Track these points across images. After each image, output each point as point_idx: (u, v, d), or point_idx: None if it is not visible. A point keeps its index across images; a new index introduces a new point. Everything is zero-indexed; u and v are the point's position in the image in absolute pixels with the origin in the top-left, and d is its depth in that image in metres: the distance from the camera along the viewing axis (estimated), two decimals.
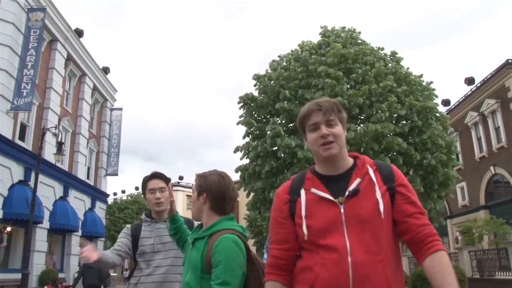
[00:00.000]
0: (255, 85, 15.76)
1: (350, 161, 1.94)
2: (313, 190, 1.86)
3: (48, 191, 18.38)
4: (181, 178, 50.28)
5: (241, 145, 15.60)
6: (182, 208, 42.29)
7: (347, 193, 1.80)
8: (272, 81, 15.33)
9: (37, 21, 17.44)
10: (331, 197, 1.80)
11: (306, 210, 1.83)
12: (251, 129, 15.54)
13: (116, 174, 26.07)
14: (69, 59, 21.59)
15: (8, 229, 16.34)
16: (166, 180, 3.24)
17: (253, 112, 15.69)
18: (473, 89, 26.71)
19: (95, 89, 25.02)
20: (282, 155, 14.16)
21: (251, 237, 15.20)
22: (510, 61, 23.01)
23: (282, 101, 14.45)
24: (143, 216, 3.33)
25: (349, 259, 1.68)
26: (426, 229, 1.78)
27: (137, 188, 52.39)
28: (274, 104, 14.59)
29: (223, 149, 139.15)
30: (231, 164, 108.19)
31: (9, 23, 16.35)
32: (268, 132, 14.16)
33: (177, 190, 45.20)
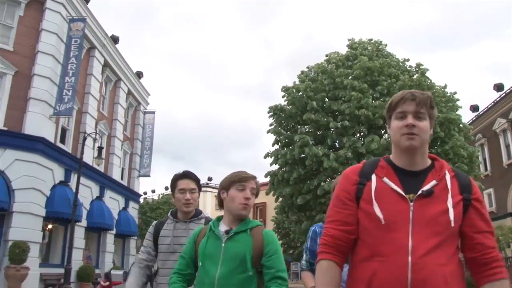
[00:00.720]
0: (283, 96, 16.42)
1: (428, 161, 1.88)
2: (386, 179, 1.80)
3: (85, 191, 19.38)
4: (210, 179, 51.10)
5: (270, 152, 16.30)
6: (211, 209, 43.15)
7: (420, 191, 1.74)
8: (300, 92, 15.94)
9: (78, 31, 18.43)
10: (402, 191, 1.75)
11: (376, 196, 1.76)
12: (280, 138, 16.21)
13: (148, 175, 27.09)
14: (105, 65, 22.62)
15: (49, 226, 17.39)
16: (197, 181, 3.25)
17: (282, 122, 16.37)
18: (502, 96, 26.64)
19: (129, 93, 26.07)
20: (310, 163, 14.73)
21: (278, 238, 15.89)
22: None
23: (310, 112, 15.08)
24: (168, 214, 3.31)
25: (410, 259, 1.63)
26: (493, 253, 1.74)
27: (167, 188, 53.68)
28: (302, 115, 15.26)
29: (250, 149, 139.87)
30: (257, 165, 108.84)
31: (52, 33, 17.37)
32: (297, 141, 14.78)
33: (206, 191, 46.07)
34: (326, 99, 15.29)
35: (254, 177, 2.61)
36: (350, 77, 14.62)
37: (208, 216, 3.29)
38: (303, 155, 15.14)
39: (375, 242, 1.72)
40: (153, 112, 28.66)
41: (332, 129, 14.69)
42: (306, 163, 14.78)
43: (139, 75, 28.26)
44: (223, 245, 2.39)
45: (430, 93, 1.88)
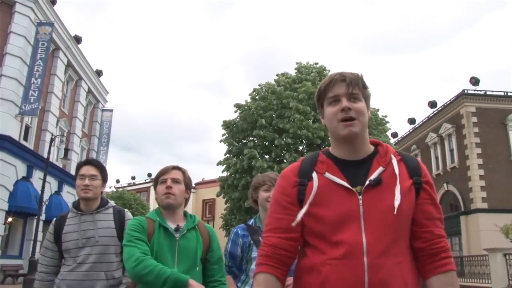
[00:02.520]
0: (236, 111, 18.46)
1: (371, 147, 1.71)
2: (328, 174, 1.62)
3: (45, 186, 20.37)
4: (149, 175, 51.32)
5: (222, 160, 18.28)
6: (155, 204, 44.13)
7: (367, 182, 1.57)
8: (252, 109, 18.00)
9: (45, 34, 19.39)
10: (348, 185, 1.58)
11: (317, 196, 1.59)
12: (232, 148, 18.20)
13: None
14: (68, 65, 23.52)
15: (9, 219, 18.33)
16: (101, 168, 3.11)
17: (234, 134, 18.37)
18: (434, 112, 29.57)
19: (89, 91, 27.00)
20: (256, 173, 16.77)
21: (225, 236, 17.92)
22: (465, 91, 25.89)
23: (259, 129, 17.18)
24: (70, 206, 3.13)
25: (365, 260, 1.47)
26: (442, 242, 1.60)
27: (118, 181, 54.25)
28: (252, 130, 17.43)
29: (200, 143, 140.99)
30: (206, 158, 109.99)
31: (20, 36, 18.28)
32: (246, 153, 16.81)
33: (151, 186, 46.83)
34: (274, 118, 17.46)
35: (174, 167, 2.64)
36: (295, 100, 16.80)
37: (116, 206, 3.16)
38: (251, 166, 17.15)
39: (325, 246, 1.54)
40: (111, 110, 29.69)
41: (277, 145, 16.89)
42: (253, 173, 16.82)
43: (99, 73, 29.15)
44: (177, 242, 2.43)
45: (360, 73, 1.71)
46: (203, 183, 46.47)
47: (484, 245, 18.67)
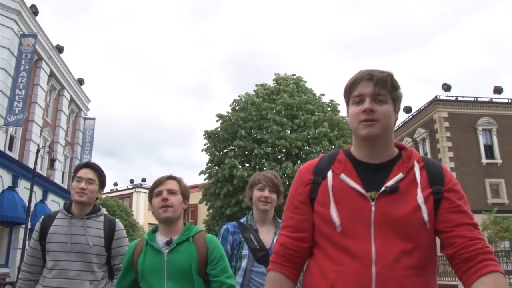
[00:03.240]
0: (217, 121, 19.25)
1: (395, 151, 1.64)
2: (343, 176, 1.57)
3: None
4: (144, 180, 51.95)
5: (204, 170, 19.03)
6: (144, 210, 44.42)
7: (383, 188, 1.50)
8: (232, 120, 18.80)
9: (29, 46, 19.71)
10: (362, 190, 1.52)
11: (333, 197, 1.54)
12: (214, 157, 18.95)
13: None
14: (51, 75, 23.80)
15: None
16: (99, 173, 3.02)
17: (216, 144, 19.15)
18: (409, 117, 30.65)
19: (71, 100, 27.28)
20: (237, 181, 17.52)
21: None
22: (437, 97, 27.01)
23: (239, 139, 18.01)
24: (61, 207, 3.02)
25: (373, 269, 1.41)
26: (478, 244, 1.43)
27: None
28: (233, 140, 18.29)
29: (184, 147, 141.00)
30: (190, 162, 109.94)
31: (4, 48, 18.57)
32: (227, 163, 17.58)
33: (140, 192, 47.25)
34: (253, 129, 18.37)
35: (169, 177, 2.50)
36: (273, 111, 17.74)
37: (107, 214, 3.04)
38: (232, 174, 17.90)
39: (333, 250, 1.51)
40: (93, 118, 29.95)
41: (257, 154, 17.67)
42: (234, 182, 17.58)
43: (80, 82, 29.42)
44: (165, 258, 2.27)
45: (391, 71, 1.63)
46: None
47: None
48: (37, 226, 2.92)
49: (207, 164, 20.15)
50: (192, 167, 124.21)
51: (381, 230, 1.46)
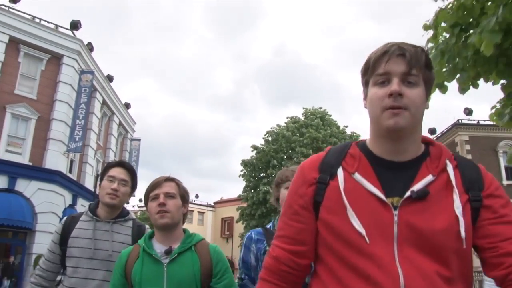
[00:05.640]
0: (252, 151, 22.22)
1: (422, 147, 1.30)
2: (357, 176, 1.24)
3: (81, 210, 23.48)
4: (197, 196, 50.67)
5: (241, 194, 22.04)
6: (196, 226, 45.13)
7: (408, 193, 1.19)
8: (265, 151, 21.64)
9: (87, 81, 22.58)
10: (381, 195, 1.20)
11: (336, 203, 1.22)
12: (249, 183, 21.86)
13: (134, 196, 31.28)
14: (103, 103, 26.72)
15: None
16: (133, 174, 2.81)
17: (251, 172, 22.03)
18: (433, 139, 32.04)
19: (120, 124, 30.21)
20: (270, 205, 20.09)
21: None
22: (459, 121, 28.45)
23: (272, 168, 20.99)
24: (86, 209, 2.76)
25: None
26: None
27: (141, 200, 56.67)
28: (266, 168, 21.30)
29: (219, 158, 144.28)
30: (226, 173, 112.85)
31: (67, 84, 21.48)
32: (262, 189, 20.40)
33: (193, 210, 47.21)
34: (284, 158, 21.09)
35: (167, 179, 2.27)
36: (301, 143, 20.55)
37: (136, 219, 2.81)
38: (265, 199, 20.57)
39: (344, 270, 1.17)
40: (139, 140, 32.82)
41: None
42: (267, 205, 20.25)
43: (127, 106, 32.38)
44: (165, 268, 2.06)
45: (424, 46, 1.31)
46: (221, 202, 49.15)
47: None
48: (58, 228, 2.68)
49: (244, 188, 23.40)
50: (228, 177, 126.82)
51: (406, 246, 1.14)
